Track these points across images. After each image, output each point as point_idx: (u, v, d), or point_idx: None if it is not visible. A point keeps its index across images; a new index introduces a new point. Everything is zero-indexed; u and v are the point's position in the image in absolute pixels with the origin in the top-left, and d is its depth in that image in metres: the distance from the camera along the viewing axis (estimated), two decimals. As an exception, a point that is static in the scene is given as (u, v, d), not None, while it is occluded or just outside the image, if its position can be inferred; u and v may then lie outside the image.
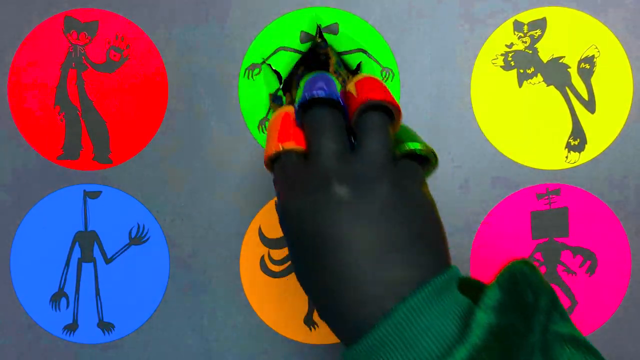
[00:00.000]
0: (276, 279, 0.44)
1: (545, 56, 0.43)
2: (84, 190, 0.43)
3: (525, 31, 0.42)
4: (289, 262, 0.44)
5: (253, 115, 0.42)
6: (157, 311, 0.44)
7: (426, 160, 0.28)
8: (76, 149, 0.43)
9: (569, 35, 0.42)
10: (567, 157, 0.43)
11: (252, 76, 0.42)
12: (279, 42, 0.42)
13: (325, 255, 0.24)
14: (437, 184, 0.43)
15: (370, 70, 0.42)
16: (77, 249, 0.43)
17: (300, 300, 0.44)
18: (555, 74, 0.43)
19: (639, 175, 0.43)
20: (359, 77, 0.29)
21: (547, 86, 0.43)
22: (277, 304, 0.44)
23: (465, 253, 0.43)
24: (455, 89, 0.43)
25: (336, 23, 0.42)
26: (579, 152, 0.43)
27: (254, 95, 0.42)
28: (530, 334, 0.22)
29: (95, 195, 0.43)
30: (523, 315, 0.22)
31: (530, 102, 0.43)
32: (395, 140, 0.28)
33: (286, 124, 0.28)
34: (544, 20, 0.42)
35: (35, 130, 0.43)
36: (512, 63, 0.43)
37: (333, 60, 0.37)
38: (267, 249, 0.43)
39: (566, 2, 0.42)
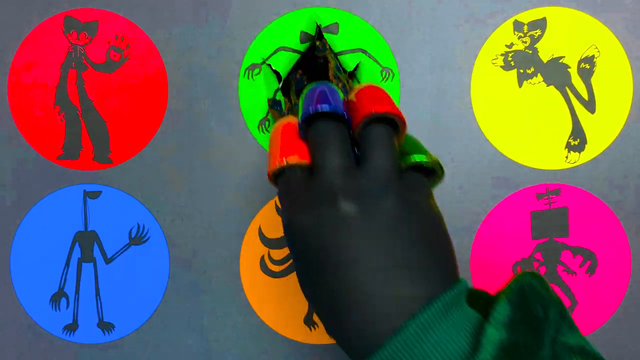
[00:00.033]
0: (276, 279, 0.44)
1: (545, 56, 0.43)
2: (84, 190, 0.43)
3: (525, 31, 0.42)
4: (289, 262, 0.44)
5: (253, 115, 0.42)
6: (157, 311, 0.44)
7: (432, 172, 0.28)
8: (76, 149, 0.43)
9: (569, 35, 0.42)
10: (567, 157, 0.43)
11: (252, 76, 0.42)
12: (278, 42, 0.42)
13: (332, 272, 0.24)
14: (437, 184, 0.43)
15: (370, 70, 0.42)
16: (77, 249, 0.43)
17: (300, 300, 0.44)
18: (555, 74, 0.43)
19: (639, 175, 0.43)
20: (361, 86, 0.28)
21: (547, 86, 0.43)
22: (277, 304, 0.44)
23: (465, 253, 0.43)
24: (455, 89, 0.43)
25: (336, 23, 0.42)
26: (579, 152, 0.43)
27: (254, 95, 0.42)
28: (541, 349, 0.22)
29: (95, 195, 0.43)
30: (533, 330, 0.22)
31: (530, 102, 0.43)
32: (400, 152, 0.27)
33: (289, 136, 0.28)
34: (544, 20, 0.42)
35: (35, 130, 0.43)
36: (512, 63, 0.43)
37: (332, 64, 0.37)
38: (267, 249, 0.43)
39: (566, 2, 0.42)
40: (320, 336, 0.44)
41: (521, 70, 0.43)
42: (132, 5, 0.42)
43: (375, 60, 0.42)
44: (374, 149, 0.26)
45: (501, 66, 0.43)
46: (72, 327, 0.44)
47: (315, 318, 0.44)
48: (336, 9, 0.42)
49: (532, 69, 0.43)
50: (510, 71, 0.43)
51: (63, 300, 0.44)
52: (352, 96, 0.28)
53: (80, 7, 0.42)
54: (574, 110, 0.43)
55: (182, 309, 0.43)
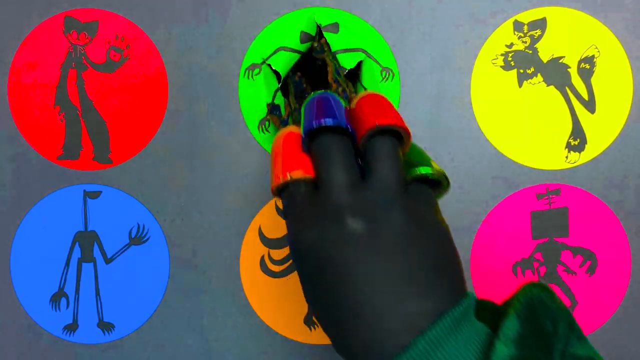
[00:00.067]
0: (276, 279, 0.44)
1: (545, 56, 0.43)
2: (84, 190, 0.43)
3: (525, 31, 0.42)
4: (289, 262, 0.44)
5: (253, 115, 0.43)
6: (157, 311, 0.44)
7: (437, 183, 0.27)
8: (76, 149, 0.43)
9: (569, 35, 0.42)
10: (567, 157, 0.43)
11: (252, 76, 0.42)
12: (278, 42, 0.42)
13: (339, 290, 0.23)
14: (437, 184, 0.43)
15: (370, 70, 0.42)
16: (77, 249, 0.43)
17: (300, 300, 0.44)
18: (555, 74, 0.43)
19: (639, 175, 0.43)
20: (363, 94, 0.28)
21: (547, 86, 0.43)
22: (277, 304, 0.44)
23: (465, 253, 0.43)
24: (455, 89, 0.43)
25: (336, 23, 0.42)
26: (579, 152, 0.43)
27: (254, 95, 0.42)
28: None
29: (95, 195, 0.43)
30: (543, 345, 0.22)
31: (530, 102, 0.43)
32: (404, 162, 0.27)
33: (291, 148, 0.27)
34: (544, 20, 0.42)
35: (35, 130, 0.43)
36: (512, 63, 0.43)
37: (331, 67, 0.36)
38: (267, 249, 0.43)
39: (566, 2, 0.42)
40: (320, 336, 0.44)
41: (521, 70, 0.43)
42: (132, 5, 0.42)
43: (375, 60, 0.42)
44: (379, 162, 0.26)
45: (501, 66, 0.43)
46: (72, 327, 0.44)
47: (316, 318, 0.44)
48: (336, 9, 0.42)
49: (532, 69, 0.43)
50: (510, 71, 0.43)
51: (63, 300, 0.44)
52: (354, 104, 0.28)
53: (80, 7, 0.42)
54: (574, 110, 0.43)
55: (182, 309, 0.43)
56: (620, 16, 0.42)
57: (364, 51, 0.42)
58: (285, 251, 0.44)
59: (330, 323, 0.24)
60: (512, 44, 0.42)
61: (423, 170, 0.27)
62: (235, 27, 0.42)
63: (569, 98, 0.43)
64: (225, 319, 0.44)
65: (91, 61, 0.43)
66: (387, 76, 0.42)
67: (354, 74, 0.43)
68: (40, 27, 0.42)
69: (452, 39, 0.42)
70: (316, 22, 0.42)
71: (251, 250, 0.43)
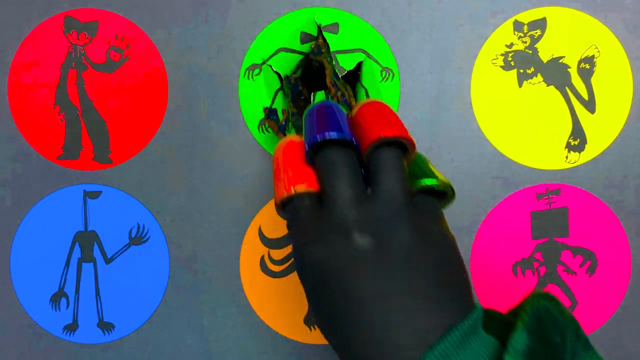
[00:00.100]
0: (276, 279, 0.44)
1: (545, 56, 0.43)
2: (84, 190, 0.43)
3: (525, 31, 0.42)
4: (289, 262, 0.44)
5: (253, 115, 0.43)
6: (157, 311, 0.44)
7: (443, 193, 0.27)
8: (76, 149, 0.43)
9: (569, 35, 0.42)
10: (567, 157, 0.43)
11: (252, 76, 0.42)
12: (279, 42, 0.42)
13: (347, 306, 0.23)
14: (437, 184, 0.43)
15: (370, 70, 0.42)
16: (77, 249, 0.43)
17: (300, 300, 0.44)
18: (555, 74, 0.43)
19: (639, 175, 0.43)
20: (365, 102, 0.28)
21: (547, 86, 0.43)
22: (277, 304, 0.44)
23: (465, 253, 0.43)
24: (455, 89, 0.43)
25: (336, 23, 0.42)
26: (579, 152, 0.43)
27: (254, 95, 0.42)
28: None
29: (95, 195, 0.43)
30: (551, 358, 0.22)
31: (530, 102, 0.43)
32: (409, 173, 0.27)
33: (293, 160, 0.27)
34: (544, 20, 0.42)
35: (35, 130, 0.43)
36: (512, 63, 0.43)
37: (329, 70, 0.36)
38: (267, 249, 0.43)
39: (566, 2, 0.42)
40: (320, 336, 0.44)
41: (521, 70, 0.43)
42: (132, 5, 0.42)
43: (375, 60, 0.42)
44: (384, 174, 0.25)
45: (501, 66, 0.43)
46: (72, 327, 0.44)
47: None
48: (336, 9, 0.42)
49: (532, 69, 0.43)
50: (510, 71, 0.43)
51: (63, 300, 0.44)
52: (355, 112, 0.27)
53: (80, 7, 0.42)
54: (574, 110, 0.43)
55: (182, 309, 0.43)
56: (620, 16, 0.42)
57: (364, 51, 0.42)
58: (285, 251, 0.44)
59: (339, 339, 0.24)
60: (512, 44, 0.42)
61: (428, 182, 0.26)
62: (235, 27, 0.42)
63: (569, 98, 0.43)
64: (225, 319, 0.44)
65: (91, 61, 0.43)
66: (387, 76, 0.42)
67: (354, 75, 0.43)
68: (40, 27, 0.42)
69: (452, 39, 0.42)
70: (316, 22, 0.42)
71: (251, 250, 0.43)
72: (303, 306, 0.44)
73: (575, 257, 0.43)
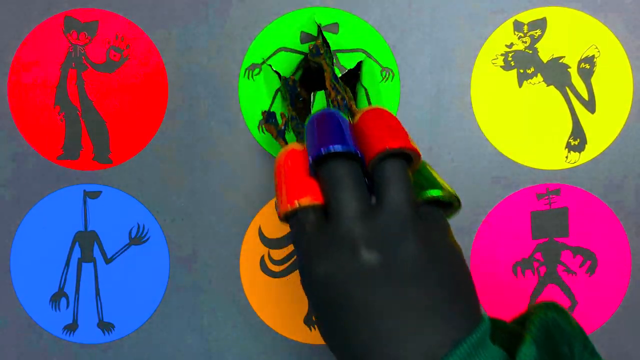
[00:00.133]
0: (276, 279, 0.44)
1: (545, 56, 0.43)
2: (84, 190, 0.43)
3: (525, 31, 0.42)
4: (289, 262, 0.44)
5: (253, 115, 0.43)
6: (157, 311, 0.44)
7: (448, 203, 0.27)
8: (76, 149, 0.43)
9: (569, 35, 0.42)
10: (567, 157, 0.43)
11: (252, 76, 0.42)
12: (279, 42, 0.42)
13: (354, 323, 0.23)
14: (437, 184, 0.43)
15: (370, 70, 0.42)
16: (77, 249, 0.43)
17: (300, 300, 0.44)
18: (555, 74, 0.43)
19: (639, 175, 0.43)
20: (367, 110, 0.27)
21: (547, 86, 0.43)
22: (277, 304, 0.44)
23: (465, 253, 0.43)
24: (455, 89, 0.43)
25: (336, 23, 0.42)
26: (579, 152, 0.43)
27: (254, 95, 0.42)
28: None
29: (95, 195, 0.43)
30: None
31: (530, 102, 0.43)
32: (414, 182, 0.27)
33: (296, 171, 0.27)
34: (544, 20, 0.42)
35: (35, 130, 0.43)
36: (512, 63, 0.43)
37: (328, 72, 0.35)
38: (267, 249, 0.43)
39: (566, 2, 0.42)
40: (320, 336, 0.44)
41: (521, 70, 0.43)
42: (132, 5, 0.42)
43: (375, 60, 0.42)
44: (389, 186, 0.25)
45: (501, 66, 0.43)
46: (72, 327, 0.44)
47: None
48: (336, 9, 0.42)
49: (532, 69, 0.43)
50: (510, 71, 0.43)
51: (63, 300, 0.44)
52: (357, 119, 0.27)
53: (80, 7, 0.42)
54: (574, 110, 0.43)
55: (182, 309, 0.43)
56: (620, 16, 0.42)
57: (364, 51, 0.42)
58: (285, 251, 0.44)
59: (345, 353, 0.24)
60: (512, 44, 0.42)
61: (434, 193, 0.26)
62: (235, 27, 0.42)
63: (569, 98, 0.43)
64: (225, 318, 0.44)
65: (91, 61, 0.43)
66: (387, 76, 0.42)
67: (354, 74, 0.43)
68: (40, 27, 0.42)
69: (452, 39, 0.42)
70: (316, 22, 0.42)
71: (251, 250, 0.43)
72: (303, 306, 0.44)
73: (575, 257, 0.43)
